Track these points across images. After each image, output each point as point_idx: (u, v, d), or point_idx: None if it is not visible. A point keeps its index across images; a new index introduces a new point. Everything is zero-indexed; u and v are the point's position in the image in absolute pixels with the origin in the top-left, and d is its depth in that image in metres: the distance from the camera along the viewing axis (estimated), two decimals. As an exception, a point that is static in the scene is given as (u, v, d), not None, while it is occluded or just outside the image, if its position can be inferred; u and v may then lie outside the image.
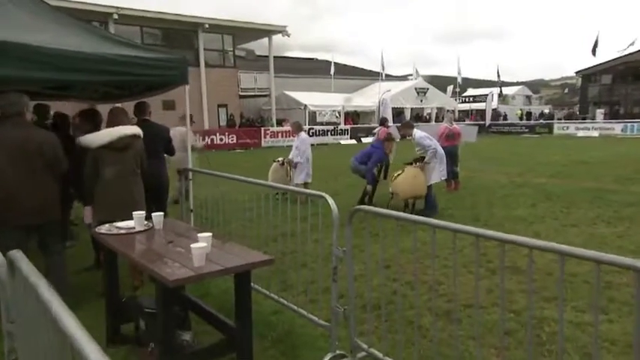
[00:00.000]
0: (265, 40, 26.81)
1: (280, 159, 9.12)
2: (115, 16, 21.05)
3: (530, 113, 37.25)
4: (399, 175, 7.76)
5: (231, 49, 25.96)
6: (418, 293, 4.36)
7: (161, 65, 4.57)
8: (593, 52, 32.59)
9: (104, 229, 3.49)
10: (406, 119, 31.05)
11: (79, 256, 5.52)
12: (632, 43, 33.45)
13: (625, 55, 36.79)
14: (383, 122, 11.58)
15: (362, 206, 2.95)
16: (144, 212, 3.51)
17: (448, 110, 22.36)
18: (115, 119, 4.19)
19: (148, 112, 5.14)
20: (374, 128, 12.23)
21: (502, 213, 7.63)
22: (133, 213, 3.47)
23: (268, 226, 4.71)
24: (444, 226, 2.48)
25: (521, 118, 35.59)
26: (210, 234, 2.98)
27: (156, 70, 4.51)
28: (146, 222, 3.55)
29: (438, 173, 7.46)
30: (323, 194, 3.29)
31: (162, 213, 3.56)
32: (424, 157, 7.43)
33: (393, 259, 5.16)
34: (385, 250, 5.36)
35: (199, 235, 2.93)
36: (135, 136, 4.20)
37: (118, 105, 4.67)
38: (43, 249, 4.01)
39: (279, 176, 8.98)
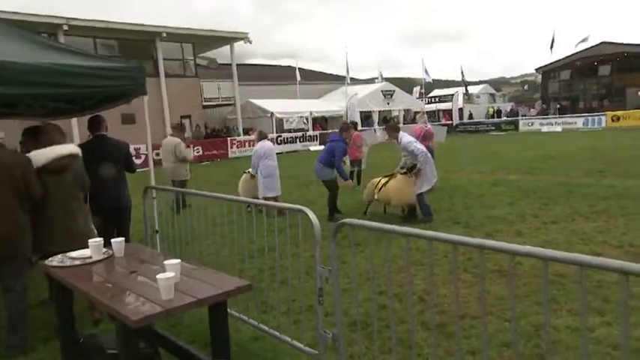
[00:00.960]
0: (227, 48, 26.42)
1: (251, 169, 8.79)
2: (65, 27, 20.17)
3: (500, 111, 38.09)
4: (387, 181, 7.51)
5: (192, 57, 25.43)
6: (408, 306, 4.19)
7: (115, 75, 4.25)
8: (551, 48, 33.75)
9: (56, 260, 3.12)
10: (373, 123, 31.25)
11: (32, 286, 5.05)
12: (584, 40, 34.84)
13: (581, 51, 38.29)
14: (354, 126, 11.44)
15: (347, 220, 2.72)
16: (101, 239, 3.16)
17: (418, 111, 22.54)
18: (48, 138, 3.73)
19: (104, 127, 4.77)
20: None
21: (481, 213, 7.57)
22: (89, 241, 3.12)
23: (242, 243, 4.42)
24: (436, 237, 2.26)
25: (492, 116, 36.29)
26: (178, 261, 2.69)
27: (110, 81, 4.19)
28: (105, 250, 3.20)
29: (429, 180, 7.15)
30: (303, 208, 3.04)
31: (122, 239, 3.23)
32: (415, 165, 7.14)
33: (378, 270, 4.98)
34: (368, 261, 5.17)
35: (166, 262, 2.63)
36: (72, 156, 3.79)
37: (51, 122, 4.24)
38: (2, 283, 3.57)
39: (250, 187, 8.67)
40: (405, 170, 7.21)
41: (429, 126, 10.19)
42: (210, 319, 2.70)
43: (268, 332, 3.45)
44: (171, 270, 2.58)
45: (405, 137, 7.27)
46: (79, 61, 3.91)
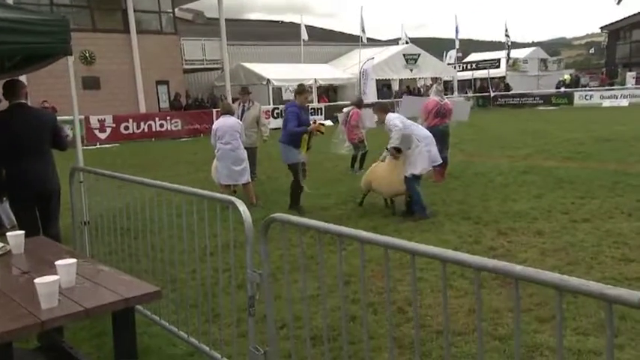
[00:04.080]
0: (215, -2, 26.31)
1: None
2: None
3: (579, 78, 37.17)
4: (376, 165, 7.60)
5: (170, 9, 25.36)
6: (383, 318, 4.20)
7: (34, 30, 4.24)
8: (619, 1, 32.95)
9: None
10: (392, 94, 31.02)
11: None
12: None
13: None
14: (357, 102, 11.37)
15: (277, 215, 2.71)
16: (21, 232, 3.21)
17: (436, 81, 22.24)
18: None
19: (24, 94, 4.78)
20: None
21: (499, 207, 7.51)
22: (7, 234, 3.19)
23: (203, 237, 4.43)
24: (374, 241, 2.24)
25: (569, 86, 35.53)
26: (73, 260, 2.71)
27: (30, 37, 4.19)
28: (2, 245, 3.24)
29: (424, 159, 7.06)
30: (232, 199, 3.04)
31: (21, 232, 3.26)
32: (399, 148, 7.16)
33: (356, 274, 4.98)
34: (348, 263, 5.19)
35: (57, 263, 2.65)
36: None
37: None
38: None
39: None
40: (384, 154, 7.23)
41: (446, 100, 10.04)
42: (114, 331, 2.73)
43: (199, 348, 3.48)
44: (61, 272, 2.60)
45: (391, 115, 7.23)
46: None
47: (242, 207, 2.93)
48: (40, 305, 2.41)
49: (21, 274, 2.91)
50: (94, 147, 18.93)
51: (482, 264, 1.79)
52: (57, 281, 2.45)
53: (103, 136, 19.99)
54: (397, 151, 7.15)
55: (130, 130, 20.88)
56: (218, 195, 3.38)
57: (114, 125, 20.36)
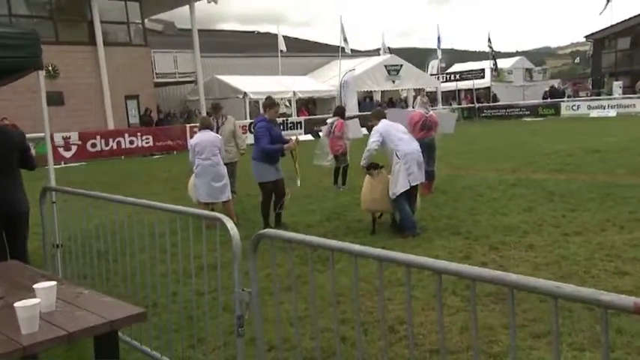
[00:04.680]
0: (187, 9, 26.41)
1: None
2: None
3: (558, 91, 37.68)
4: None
5: (139, 20, 25.39)
6: (375, 338, 4.26)
7: (3, 43, 4.27)
8: (602, 11, 33.94)
9: None
10: (376, 107, 31.37)
11: None
12: None
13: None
14: (340, 112, 11.51)
15: (267, 230, 2.77)
16: None
17: (420, 93, 22.57)
18: None
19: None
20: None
21: (490, 221, 7.67)
22: None
23: (183, 258, 4.45)
24: (368, 254, 2.31)
25: (554, 96, 35.96)
26: (53, 283, 2.74)
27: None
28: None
29: (402, 179, 7.11)
30: (220, 216, 3.09)
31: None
32: (376, 164, 7.34)
33: (346, 293, 5.05)
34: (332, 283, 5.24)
35: (36, 286, 2.68)
36: None
37: None
38: None
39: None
40: (366, 169, 7.37)
41: (432, 112, 10.24)
42: (95, 355, 2.75)
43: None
44: (41, 295, 2.62)
45: (380, 124, 7.38)
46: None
47: (229, 224, 2.99)
48: (20, 330, 2.42)
49: (-5, 299, 2.91)
50: (58, 166, 18.70)
51: (478, 274, 1.88)
52: (37, 305, 2.47)
53: (68, 154, 19.76)
54: (368, 169, 7.30)
55: (98, 148, 20.72)
56: (204, 212, 3.44)
57: (80, 143, 20.17)
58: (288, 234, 2.76)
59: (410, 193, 7.27)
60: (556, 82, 44.03)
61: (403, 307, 4.75)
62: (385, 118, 7.64)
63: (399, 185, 7.10)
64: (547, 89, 38.61)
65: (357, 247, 2.37)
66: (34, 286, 2.68)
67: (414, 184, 7.22)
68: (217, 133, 9.77)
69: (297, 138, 8.09)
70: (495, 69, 37.89)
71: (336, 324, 2.98)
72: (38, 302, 2.48)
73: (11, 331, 2.45)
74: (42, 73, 4.65)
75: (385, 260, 2.26)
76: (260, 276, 4.86)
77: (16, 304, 2.43)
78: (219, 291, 3.58)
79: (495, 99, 37.00)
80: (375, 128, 7.41)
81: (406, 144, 7.33)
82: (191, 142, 8.44)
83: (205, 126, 8.41)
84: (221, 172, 8.14)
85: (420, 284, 5.21)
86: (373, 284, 5.33)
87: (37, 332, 2.43)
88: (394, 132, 7.37)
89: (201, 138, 8.16)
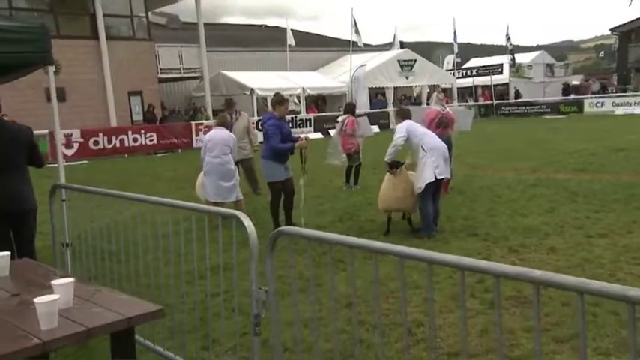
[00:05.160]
0: (192, 1, 26.56)
1: None
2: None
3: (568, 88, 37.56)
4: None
5: (144, 14, 25.59)
6: (392, 340, 4.35)
7: (12, 38, 4.40)
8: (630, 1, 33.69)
9: None
10: (387, 103, 31.41)
11: None
12: None
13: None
14: (350, 109, 11.60)
15: (285, 227, 2.87)
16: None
17: (435, 89, 22.64)
18: None
19: (-1, 107, 4.93)
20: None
21: (508, 223, 7.73)
22: None
23: (192, 259, 4.56)
24: (389, 251, 2.40)
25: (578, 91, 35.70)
26: (71, 279, 2.85)
27: (6, 46, 4.34)
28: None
29: (428, 172, 7.22)
30: (236, 213, 3.19)
31: (6, 253, 3.38)
32: (399, 162, 7.44)
33: (361, 295, 5.15)
34: (349, 282, 5.33)
35: (54, 282, 2.79)
36: None
37: None
38: None
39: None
40: (389, 166, 7.44)
41: (448, 109, 10.30)
42: (113, 353, 2.85)
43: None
44: (59, 291, 2.73)
45: (404, 123, 7.51)
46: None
47: (246, 221, 3.09)
48: (40, 326, 2.53)
49: (11, 296, 3.03)
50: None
51: (502, 271, 1.95)
52: (57, 300, 2.58)
53: (69, 152, 19.93)
54: (391, 167, 7.39)
55: (100, 146, 20.91)
56: (221, 210, 3.54)
57: (82, 140, 20.38)
58: (307, 231, 2.86)
59: (435, 192, 7.39)
60: (578, 78, 43.88)
61: (420, 309, 4.83)
62: (410, 118, 7.74)
63: (425, 177, 7.21)
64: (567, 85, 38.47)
65: (377, 243, 2.46)
66: (52, 282, 2.79)
67: (440, 177, 7.32)
68: (230, 129, 9.95)
69: (307, 137, 8.17)
70: (513, 64, 37.73)
71: (353, 326, 3.06)
72: (57, 298, 2.59)
73: (30, 326, 2.55)
74: (52, 69, 4.77)
75: (407, 257, 2.34)
76: (275, 275, 5.00)
77: (36, 300, 2.53)
78: (237, 289, 3.68)
79: (518, 95, 36.90)
80: (400, 125, 7.55)
81: (432, 138, 7.53)
82: (205, 138, 8.55)
83: (221, 123, 8.52)
84: (230, 172, 8.22)
85: (436, 286, 5.27)
86: (388, 286, 5.42)
87: (57, 328, 2.54)
88: (419, 128, 7.60)
89: (214, 135, 8.27)
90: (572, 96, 35.08)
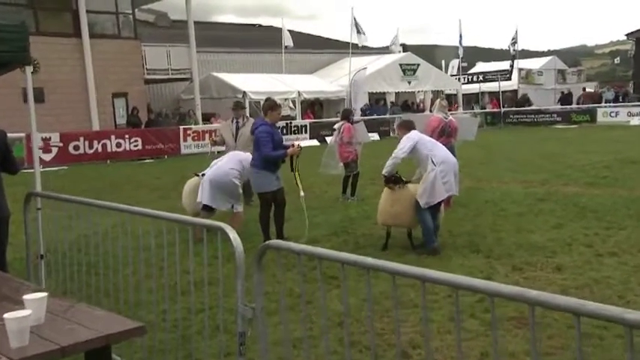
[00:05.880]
0: (182, -2, 26.71)
1: (204, 172, 8.83)
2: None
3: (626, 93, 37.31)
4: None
5: (130, 10, 25.66)
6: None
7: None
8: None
9: None
10: (387, 110, 31.48)
11: None
12: None
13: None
14: (346, 115, 11.67)
15: (273, 241, 2.90)
16: None
17: (439, 96, 22.69)
18: None
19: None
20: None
21: (513, 239, 7.76)
22: None
23: (174, 274, 4.58)
24: (381, 267, 2.44)
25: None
26: (44, 294, 2.87)
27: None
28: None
29: (438, 188, 7.19)
30: (221, 224, 3.22)
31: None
32: (397, 177, 7.44)
33: (354, 314, 5.17)
34: (341, 300, 5.35)
35: (25, 297, 2.80)
36: None
37: None
38: None
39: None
40: (386, 180, 7.43)
41: (451, 117, 10.38)
42: (88, 374, 2.87)
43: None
44: (31, 307, 2.75)
45: (409, 134, 7.48)
46: None
47: (232, 233, 3.12)
48: (9, 344, 2.54)
49: (-21, 311, 3.04)
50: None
51: (495, 289, 1.99)
52: (28, 317, 2.59)
53: (47, 157, 19.88)
54: (387, 181, 7.39)
55: (81, 151, 20.90)
56: (206, 221, 3.57)
57: (61, 144, 20.35)
58: (296, 245, 2.88)
59: (435, 206, 7.38)
60: (592, 85, 44.06)
61: (417, 330, 4.86)
62: (415, 128, 7.72)
63: (436, 195, 7.21)
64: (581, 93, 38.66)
65: (370, 259, 2.49)
66: (24, 297, 2.80)
67: (447, 194, 7.40)
68: (236, 134, 10.07)
69: (299, 144, 8.23)
70: (510, 71, 37.47)
71: (344, 347, 3.08)
72: (29, 314, 2.60)
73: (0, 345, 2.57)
74: (29, 69, 4.81)
75: (399, 275, 2.37)
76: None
77: (5, 316, 2.55)
78: (221, 306, 3.70)
79: (529, 102, 36.98)
80: (406, 136, 7.47)
81: (443, 150, 7.52)
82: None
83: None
84: (229, 188, 8.26)
85: (434, 305, 5.31)
86: (383, 305, 5.44)
87: (28, 346, 2.55)
88: (427, 140, 7.62)
89: (239, 152, 8.68)
90: (576, 106, 35.21)
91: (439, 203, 7.47)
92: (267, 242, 2.93)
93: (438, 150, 7.51)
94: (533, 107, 36.10)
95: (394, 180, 7.40)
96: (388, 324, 5.04)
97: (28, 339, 2.57)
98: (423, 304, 2.36)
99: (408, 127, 7.73)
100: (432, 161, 7.29)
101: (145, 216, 3.96)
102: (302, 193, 8.08)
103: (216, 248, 3.45)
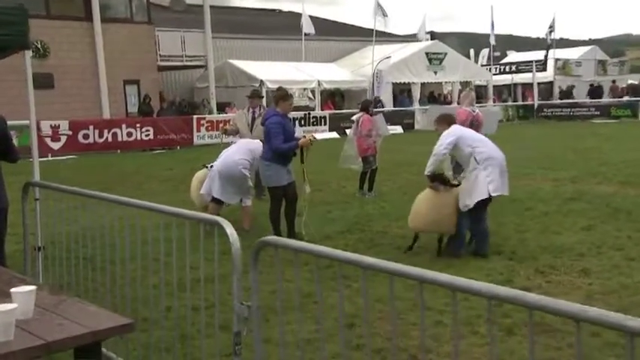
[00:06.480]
0: (197, -19, 26.85)
1: (213, 163, 8.88)
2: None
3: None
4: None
5: (144, -7, 25.85)
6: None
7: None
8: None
9: None
10: (412, 101, 31.34)
11: None
12: None
13: None
14: (365, 107, 11.65)
15: (270, 237, 2.92)
16: None
17: (467, 88, 22.54)
18: None
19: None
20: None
21: (538, 240, 7.69)
22: None
23: (179, 269, 4.62)
24: (378, 267, 2.44)
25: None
26: (32, 288, 2.91)
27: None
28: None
29: (481, 187, 6.91)
30: (218, 219, 3.25)
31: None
32: (442, 175, 7.26)
33: (362, 315, 5.17)
34: (351, 301, 5.36)
35: (13, 290, 2.85)
36: None
37: None
38: None
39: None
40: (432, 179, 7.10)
41: (477, 110, 10.32)
42: (75, 370, 2.91)
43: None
44: (18, 300, 2.79)
45: (451, 129, 7.22)
46: None
47: (229, 229, 3.14)
48: (-6, 338, 2.59)
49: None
50: (44, 159, 19.14)
51: (494, 293, 1.98)
52: (14, 310, 2.63)
53: (56, 145, 20.16)
54: (432, 179, 7.09)
55: (91, 140, 21.10)
56: (202, 215, 3.59)
57: (70, 133, 20.57)
58: (294, 242, 2.90)
59: (479, 209, 7.04)
60: (637, 78, 43.37)
61: (428, 334, 4.84)
62: (455, 122, 7.51)
63: (476, 194, 6.91)
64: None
65: (368, 259, 2.49)
66: (12, 290, 2.84)
67: (494, 194, 7.00)
68: (252, 124, 10.10)
69: (312, 135, 8.22)
70: (545, 61, 37.01)
71: (349, 350, 3.09)
72: (15, 307, 2.64)
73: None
74: (29, 54, 4.87)
75: (398, 275, 2.37)
76: (265, 291, 5.05)
77: (-10, 309, 2.59)
78: (218, 306, 3.73)
79: (568, 95, 36.43)
80: (446, 131, 7.17)
81: (488, 146, 7.20)
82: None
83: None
84: (238, 179, 8.27)
85: (447, 309, 5.28)
86: (394, 306, 5.42)
87: (12, 341, 2.59)
88: (473, 134, 7.43)
89: (249, 140, 8.70)
90: (607, 99, 34.70)
91: (484, 206, 7.12)
92: (263, 239, 2.95)
93: (483, 146, 7.15)
94: (569, 100, 35.70)
95: (441, 180, 7.10)
96: (398, 326, 5.03)
97: (13, 333, 2.61)
98: (422, 304, 2.36)
99: (449, 121, 7.41)
100: (475, 159, 6.99)
101: (145, 209, 3.99)
102: (308, 189, 8.07)
103: (216, 243, 3.47)
